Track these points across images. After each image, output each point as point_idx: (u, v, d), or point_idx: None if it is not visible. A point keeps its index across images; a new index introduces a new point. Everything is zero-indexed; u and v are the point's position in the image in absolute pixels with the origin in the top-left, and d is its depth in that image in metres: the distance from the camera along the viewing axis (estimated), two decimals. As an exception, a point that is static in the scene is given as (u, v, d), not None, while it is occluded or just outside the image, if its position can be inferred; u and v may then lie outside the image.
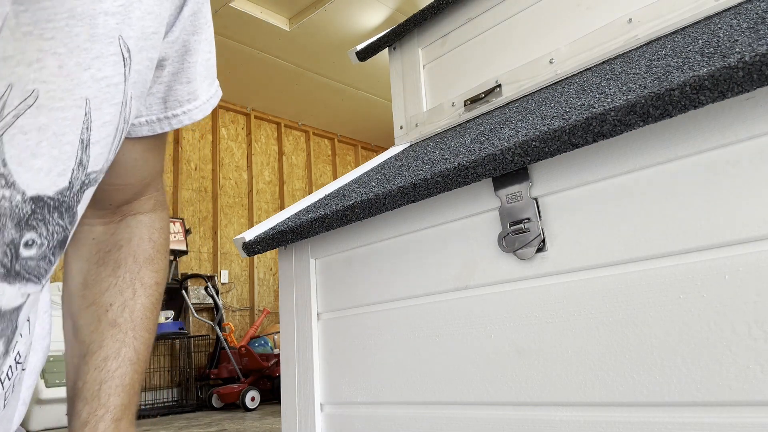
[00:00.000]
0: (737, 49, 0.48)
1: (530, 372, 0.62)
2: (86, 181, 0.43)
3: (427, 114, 1.23)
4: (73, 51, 0.38)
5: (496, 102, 1.09)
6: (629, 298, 0.55)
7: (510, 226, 0.65)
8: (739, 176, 0.50)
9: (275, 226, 0.93)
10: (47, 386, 3.49)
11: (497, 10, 1.14)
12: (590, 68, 0.94)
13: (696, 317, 0.51)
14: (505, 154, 0.61)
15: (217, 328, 4.51)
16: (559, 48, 1.00)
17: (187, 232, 4.75)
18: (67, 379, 0.59)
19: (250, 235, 0.93)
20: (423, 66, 1.28)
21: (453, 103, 1.17)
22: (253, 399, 4.07)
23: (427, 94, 1.25)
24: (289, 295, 0.94)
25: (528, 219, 0.64)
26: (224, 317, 4.88)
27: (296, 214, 0.95)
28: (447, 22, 1.24)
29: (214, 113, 5.53)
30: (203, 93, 0.54)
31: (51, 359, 3.64)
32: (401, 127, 1.28)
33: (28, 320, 0.46)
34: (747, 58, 0.44)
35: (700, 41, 0.62)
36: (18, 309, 0.41)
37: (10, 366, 0.45)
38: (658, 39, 0.86)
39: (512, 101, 1.06)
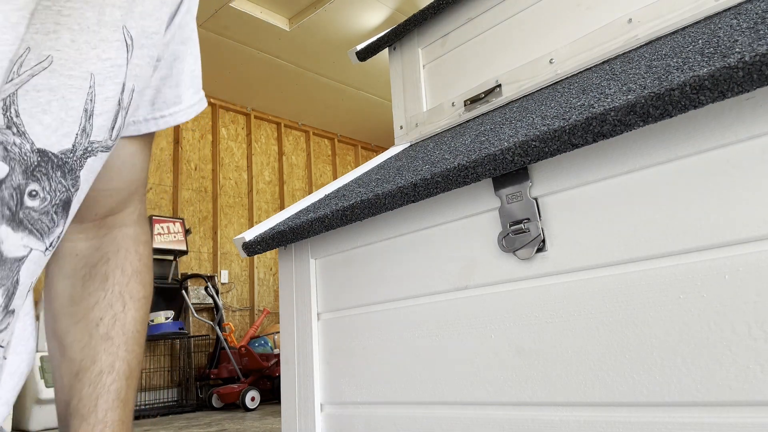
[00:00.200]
0: (737, 49, 0.48)
1: (530, 372, 0.62)
2: (89, 148, 0.46)
3: (427, 114, 1.23)
4: (84, 30, 0.43)
5: (496, 102, 1.09)
6: (629, 298, 0.55)
7: (510, 226, 0.65)
8: (739, 176, 0.50)
9: (275, 226, 0.93)
10: (47, 386, 3.49)
11: (497, 10, 1.14)
12: (590, 68, 0.94)
13: (696, 317, 0.51)
14: (505, 154, 0.61)
15: (217, 328, 4.51)
16: (559, 48, 1.00)
17: (187, 232, 4.74)
18: (58, 401, 0.57)
19: (250, 235, 0.93)
20: (423, 66, 1.28)
21: (453, 103, 1.17)
22: (253, 399, 4.07)
23: (427, 94, 1.25)
24: (289, 295, 0.94)
25: (528, 219, 0.64)
26: (224, 317, 4.88)
27: (296, 214, 0.95)
28: (447, 22, 1.24)
29: (214, 113, 5.53)
30: (187, 99, 0.58)
31: (51, 359, 3.63)
32: (401, 127, 1.28)
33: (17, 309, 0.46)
34: (747, 58, 0.44)
35: (700, 41, 0.62)
36: (20, 261, 0.44)
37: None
38: (658, 39, 0.86)
39: (512, 101, 1.06)
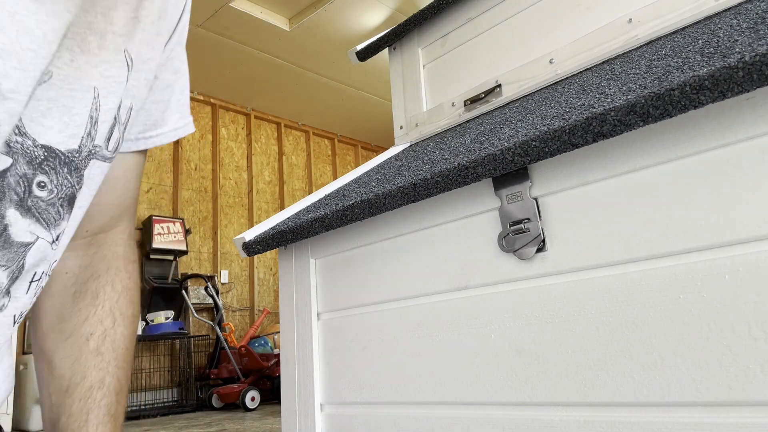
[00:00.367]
0: (737, 49, 0.48)
1: (530, 372, 0.62)
2: (93, 150, 0.51)
3: (427, 114, 1.23)
4: (84, 52, 0.48)
5: (496, 102, 1.09)
6: (629, 298, 0.55)
7: (510, 226, 0.65)
8: (739, 176, 0.50)
9: (275, 226, 0.93)
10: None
11: (497, 10, 1.14)
12: (590, 68, 0.94)
13: (696, 317, 0.51)
14: (505, 154, 0.61)
15: (217, 328, 4.51)
16: (559, 48, 1.00)
17: (187, 232, 4.74)
18: (45, 420, 0.58)
19: (250, 235, 0.93)
20: (423, 66, 1.28)
21: (453, 103, 1.17)
22: (253, 399, 4.07)
23: (427, 94, 1.25)
24: (289, 295, 0.94)
25: (528, 219, 0.64)
26: (224, 317, 4.88)
27: (296, 214, 0.95)
28: (447, 22, 1.24)
29: (214, 113, 5.53)
30: (172, 123, 0.63)
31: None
32: (401, 127, 1.28)
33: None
34: (747, 58, 0.44)
35: (700, 41, 0.62)
36: (26, 247, 0.47)
37: None
38: (658, 39, 0.86)
39: (512, 101, 1.06)
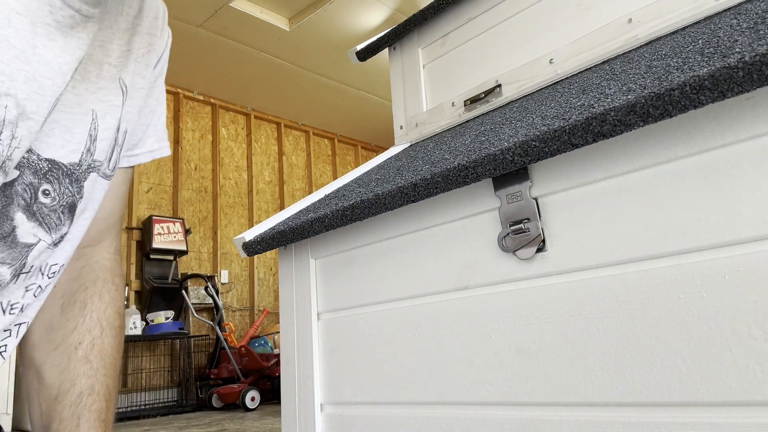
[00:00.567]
0: (737, 49, 0.48)
1: (530, 372, 0.62)
2: (92, 165, 0.57)
3: (427, 114, 1.23)
4: (84, 80, 0.54)
5: (496, 102, 1.09)
6: (629, 298, 0.55)
7: (510, 226, 0.65)
8: (739, 176, 0.50)
9: (275, 226, 0.93)
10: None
11: (497, 10, 1.14)
12: (590, 68, 0.94)
13: (696, 317, 0.51)
14: (505, 154, 0.61)
15: (217, 328, 4.51)
16: (559, 48, 1.00)
17: (187, 232, 4.74)
18: (36, 430, 0.59)
19: (250, 235, 0.93)
20: (423, 66, 1.28)
21: (453, 103, 1.17)
22: (253, 399, 4.07)
23: (427, 94, 1.25)
24: (289, 295, 0.94)
25: (528, 219, 0.64)
26: (224, 317, 4.88)
27: (296, 214, 0.95)
28: (447, 22, 1.24)
29: (214, 113, 5.53)
30: (149, 145, 0.69)
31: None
32: (401, 127, 1.28)
33: None
34: (747, 58, 0.44)
35: (700, 41, 0.62)
36: (29, 248, 0.52)
37: None
38: (658, 39, 0.86)
39: (512, 101, 1.06)
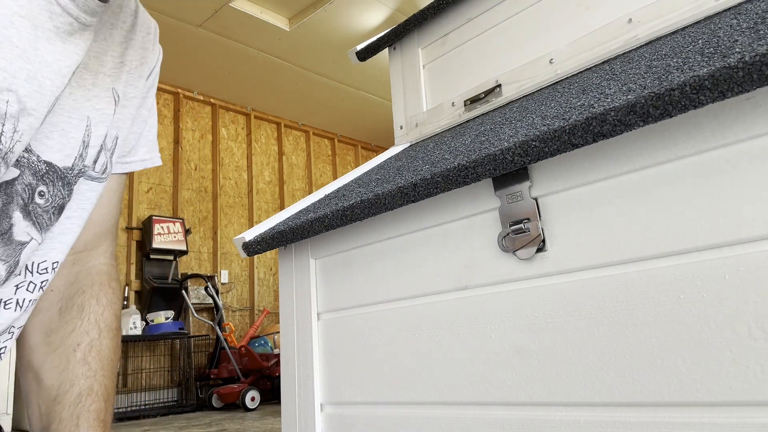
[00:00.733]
0: (737, 49, 0.48)
1: (530, 372, 0.62)
2: (82, 169, 0.60)
3: (427, 114, 1.23)
4: (81, 87, 0.57)
5: (496, 102, 1.09)
6: (629, 298, 0.55)
7: (510, 226, 0.65)
8: (739, 176, 0.50)
9: (275, 226, 0.93)
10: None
11: (497, 10, 1.14)
12: (590, 68, 0.94)
13: (696, 317, 0.51)
14: (505, 154, 0.61)
15: (217, 328, 4.51)
16: (559, 48, 1.00)
17: (187, 232, 4.74)
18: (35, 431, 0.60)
19: (250, 235, 0.93)
20: (423, 66, 1.28)
21: (453, 103, 1.17)
22: (253, 399, 4.07)
23: (427, 94, 1.25)
24: (289, 295, 0.94)
25: (528, 219, 0.64)
26: (224, 317, 4.88)
27: (296, 214, 0.95)
28: (447, 22, 1.24)
29: (214, 113, 5.53)
30: (141, 155, 0.72)
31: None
32: (401, 127, 1.28)
33: None
34: (747, 58, 0.44)
35: (700, 41, 0.62)
36: (22, 246, 0.54)
37: None
38: (658, 39, 0.86)
39: (512, 101, 1.06)
